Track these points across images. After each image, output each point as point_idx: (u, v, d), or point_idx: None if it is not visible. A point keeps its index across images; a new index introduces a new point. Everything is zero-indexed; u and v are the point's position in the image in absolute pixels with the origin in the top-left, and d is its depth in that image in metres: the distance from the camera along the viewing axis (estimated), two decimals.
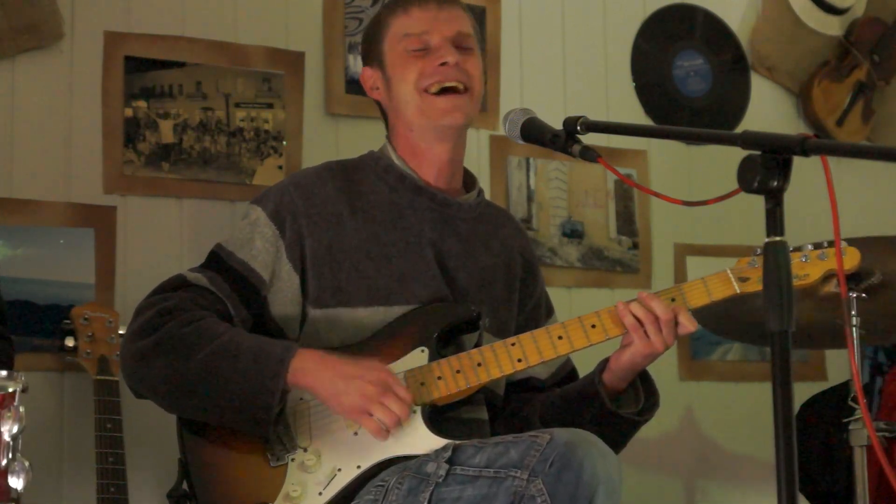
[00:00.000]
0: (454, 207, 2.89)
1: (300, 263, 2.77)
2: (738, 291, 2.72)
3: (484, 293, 2.88)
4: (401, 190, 2.86)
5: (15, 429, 1.93)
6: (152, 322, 2.66)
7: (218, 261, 2.78)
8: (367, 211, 2.83)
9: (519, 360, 2.70)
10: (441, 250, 2.84)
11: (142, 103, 3.66)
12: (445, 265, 2.84)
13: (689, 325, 2.71)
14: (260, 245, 2.77)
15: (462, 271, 2.86)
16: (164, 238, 3.64)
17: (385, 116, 2.95)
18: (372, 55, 2.91)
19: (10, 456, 1.93)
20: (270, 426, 2.60)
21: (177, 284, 2.73)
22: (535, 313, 3.04)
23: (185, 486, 2.71)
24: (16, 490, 1.93)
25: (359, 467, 2.62)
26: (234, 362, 2.59)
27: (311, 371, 2.59)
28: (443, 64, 2.81)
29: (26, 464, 1.94)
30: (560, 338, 2.71)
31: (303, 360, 2.60)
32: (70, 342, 3.33)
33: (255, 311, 2.74)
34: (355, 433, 2.63)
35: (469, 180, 2.98)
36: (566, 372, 3.03)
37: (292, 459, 2.65)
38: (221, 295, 2.71)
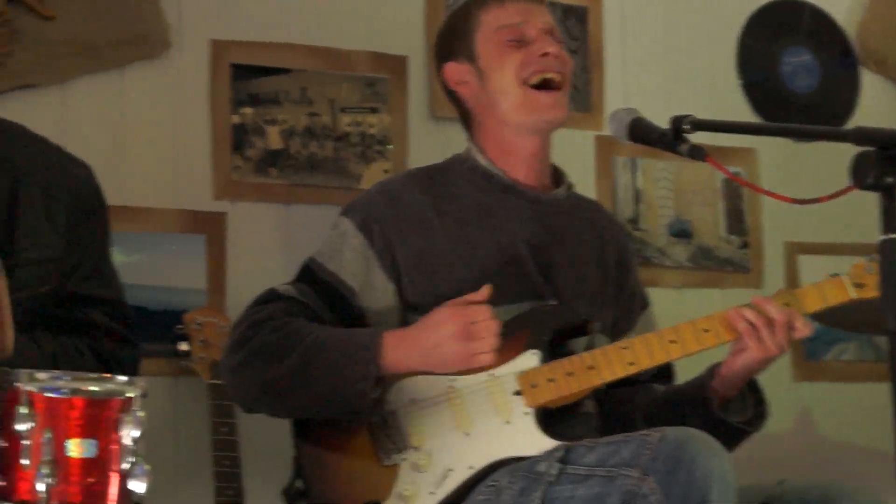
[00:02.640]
0: (545, 203, 2.88)
1: (394, 271, 2.77)
2: (854, 297, 2.69)
3: (580, 287, 2.87)
4: (490, 190, 2.86)
5: (135, 433, 1.96)
6: (245, 335, 2.69)
7: (310, 274, 2.80)
8: (456, 213, 2.83)
9: (631, 364, 2.69)
10: (534, 247, 2.84)
11: (249, 110, 3.69)
12: (540, 262, 2.83)
13: (804, 328, 2.68)
14: (349, 256, 2.78)
15: (558, 267, 2.85)
16: (273, 243, 3.67)
17: (467, 114, 2.94)
18: (459, 49, 2.90)
19: (132, 460, 1.96)
20: (369, 413, 2.61)
21: (269, 298, 2.76)
22: (630, 305, 3.02)
23: (299, 484, 2.74)
24: (137, 494, 1.96)
25: (471, 468, 2.62)
26: (325, 356, 2.61)
27: (404, 357, 2.62)
28: (544, 54, 2.81)
29: (147, 468, 1.97)
30: (673, 342, 2.70)
31: (390, 347, 2.61)
32: (184, 347, 3.37)
33: (348, 323, 2.75)
34: (466, 434, 2.64)
35: (557, 175, 2.97)
36: (663, 365, 3.01)
37: (404, 459, 2.66)
38: (313, 306, 2.73)
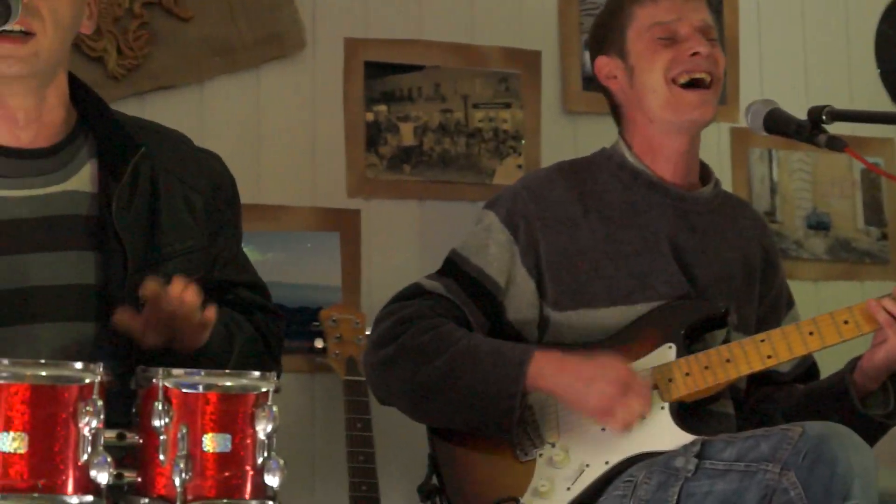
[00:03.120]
0: (690, 201, 2.85)
1: (535, 268, 2.76)
2: None
3: (724, 287, 2.83)
4: (635, 187, 2.83)
5: (269, 428, 1.97)
6: (392, 331, 2.70)
7: (454, 268, 2.79)
8: (602, 210, 2.81)
9: (769, 357, 2.65)
10: (679, 246, 2.81)
11: (382, 107, 3.71)
12: (684, 261, 2.80)
13: None
14: (494, 251, 2.77)
15: (701, 266, 2.82)
16: (407, 239, 3.69)
17: (616, 109, 2.91)
18: (610, 44, 2.87)
19: (266, 454, 1.97)
20: (513, 430, 2.61)
21: (414, 293, 2.76)
22: (776, 305, 2.97)
23: (434, 480, 2.75)
24: (272, 488, 1.98)
25: (607, 463, 2.61)
26: (473, 367, 2.61)
27: (550, 375, 2.60)
28: (694, 54, 2.78)
29: (281, 462, 1.98)
30: (811, 334, 2.65)
31: (540, 364, 2.61)
32: (319, 344, 3.40)
33: (491, 317, 2.75)
34: (603, 429, 2.62)
35: (705, 173, 2.94)
36: (807, 366, 2.96)
37: (540, 455, 2.65)
38: (458, 302, 2.73)
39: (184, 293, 2.21)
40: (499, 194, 2.88)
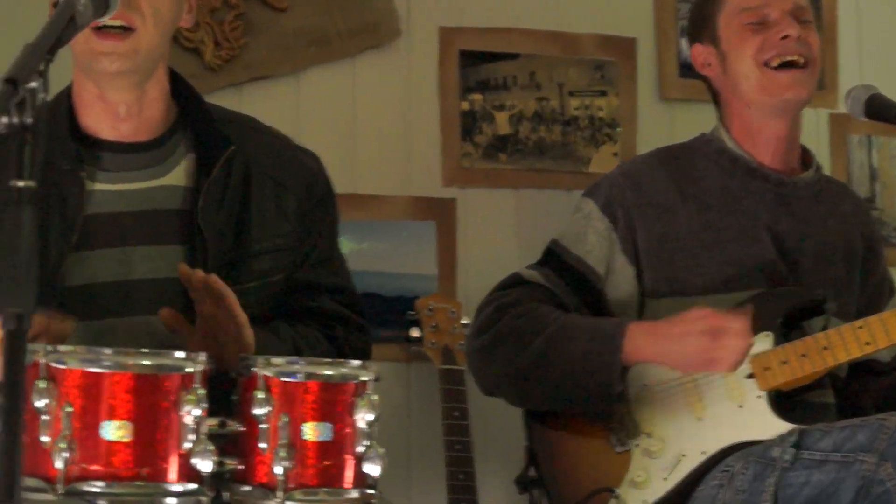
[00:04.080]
0: (790, 187, 2.82)
1: (634, 255, 2.75)
2: None
3: (823, 274, 2.80)
4: (734, 173, 2.81)
5: (370, 416, 1.98)
6: (491, 319, 2.71)
7: (553, 257, 2.80)
8: (700, 197, 2.79)
9: (867, 344, 2.61)
10: (778, 233, 2.78)
11: (478, 96, 3.71)
12: (783, 248, 2.77)
13: None
14: (593, 239, 2.77)
15: (800, 253, 2.79)
16: (502, 228, 3.68)
17: (715, 96, 2.90)
18: (704, 32, 2.86)
19: (367, 443, 1.98)
20: (613, 405, 2.61)
21: (514, 282, 2.77)
22: (877, 293, 2.93)
23: (531, 472, 2.75)
24: (372, 477, 1.99)
25: (703, 453, 2.59)
26: (569, 345, 2.61)
27: (645, 344, 2.60)
28: (784, 37, 2.75)
29: (381, 451, 1.99)
30: None
31: (634, 334, 2.61)
32: (415, 333, 3.40)
33: (591, 306, 2.75)
34: (699, 419, 2.61)
35: (807, 158, 2.90)
36: None
37: (637, 445, 2.64)
38: (558, 291, 2.73)
39: (208, 278, 2.20)
40: (597, 182, 2.88)
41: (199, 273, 2.19)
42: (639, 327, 2.62)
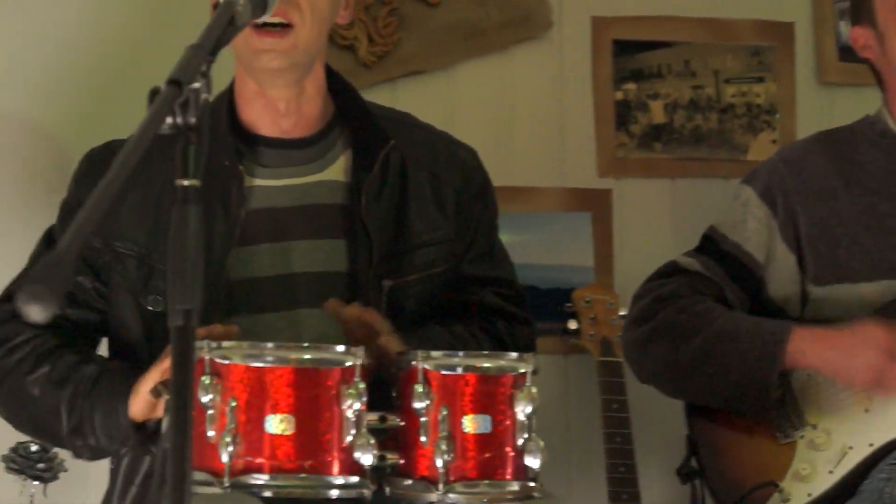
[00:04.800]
0: None
1: (795, 242, 2.71)
2: None
3: None
4: None
5: (529, 409, 1.98)
6: (650, 309, 2.68)
7: (711, 244, 2.77)
8: (863, 181, 2.74)
9: None
10: None
11: (631, 85, 3.68)
12: None
13: None
14: (753, 226, 2.73)
15: None
16: (658, 218, 3.65)
17: (878, 78, 2.84)
18: (861, 13, 2.80)
19: (526, 436, 1.98)
20: (770, 408, 2.57)
21: (671, 271, 2.75)
22: None
23: (693, 462, 2.72)
24: (532, 469, 1.98)
25: (871, 445, 2.54)
26: (731, 345, 2.58)
27: (810, 352, 2.55)
28: None
29: (541, 444, 1.98)
30: None
31: (800, 340, 2.56)
32: (573, 325, 3.39)
33: (751, 294, 2.71)
34: (866, 410, 2.56)
35: None
36: None
37: (801, 437, 2.61)
38: (716, 279, 2.70)
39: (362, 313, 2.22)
40: (756, 168, 2.84)
41: (354, 309, 2.21)
42: (804, 332, 2.57)
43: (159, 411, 2.18)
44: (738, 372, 2.56)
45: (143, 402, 2.19)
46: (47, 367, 2.34)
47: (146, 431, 2.24)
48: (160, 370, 2.15)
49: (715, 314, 2.63)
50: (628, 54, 3.69)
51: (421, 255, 2.46)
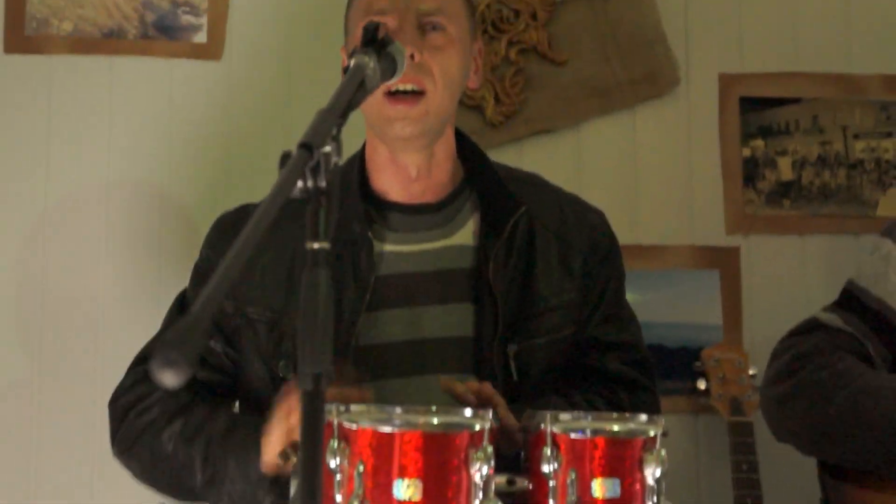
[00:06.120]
0: None
1: None
2: None
3: None
4: None
5: (658, 472, 1.96)
6: (789, 366, 2.65)
7: (853, 299, 2.73)
8: None
9: None
10: None
11: (759, 142, 3.65)
12: None
13: None
14: (895, 279, 2.69)
15: None
16: (788, 275, 3.61)
17: None
18: None
19: (655, 499, 1.95)
20: None
21: (811, 327, 2.71)
22: None
23: None
24: None
25: None
26: (873, 402, 2.53)
27: None
28: None
29: None
30: None
31: None
32: (702, 384, 3.35)
33: (894, 350, 2.66)
34: None
35: None
36: None
37: None
38: (858, 335, 2.66)
39: (481, 388, 2.19)
40: (894, 222, 2.80)
41: (470, 385, 2.20)
42: None
43: (290, 466, 2.19)
44: (885, 432, 2.52)
45: (273, 454, 2.20)
46: (180, 424, 2.36)
47: (279, 486, 2.25)
48: (285, 424, 2.16)
49: (857, 371, 2.59)
50: (756, 111, 3.66)
51: (547, 319, 2.44)
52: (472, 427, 1.94)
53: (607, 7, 3.60)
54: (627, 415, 2.03)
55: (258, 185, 2.33)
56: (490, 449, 1.93)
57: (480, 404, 2.16)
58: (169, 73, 3.46)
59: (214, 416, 2.36)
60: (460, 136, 2.51)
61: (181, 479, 2.36)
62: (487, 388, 2.18)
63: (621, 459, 1.98)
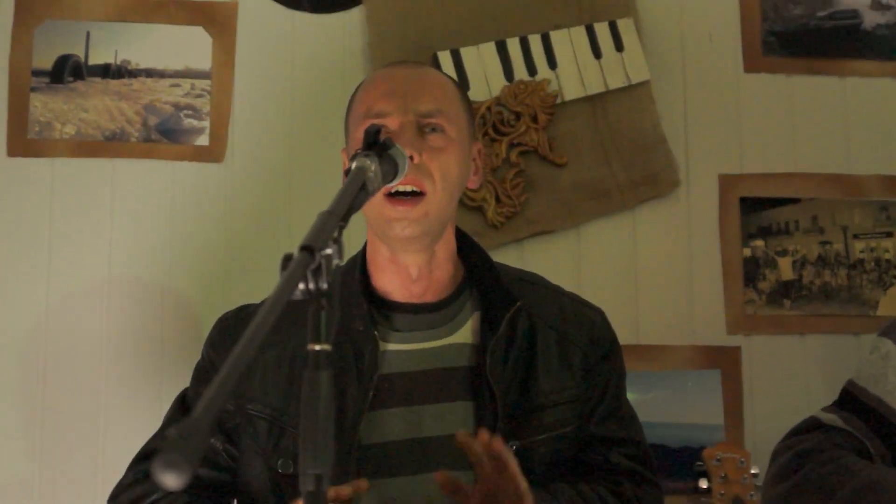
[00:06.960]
0: None
1: None
2: None
3: None
4: None
5: None
6: (791, 465, 2.65)
7: (852, 399, 2.73)
8: None
9: None
10: None
11: (759, 242, 3.67)
12: None
13: None
14: (894, 379, 2.69)
15: None
16: (789, 375, 3.61)
17: None
18: None
19: None
20: None
21: (811, 426, 2.71)
22: None
23: None
24: None
25: None
26: (876, 496, 2.53)
27: None
28: None
29: None
30: None
31: None
32: (703, 484, 3.33)
33: (893, 448, 2.66)
34: None
35: None
36: None
37: None
38: (858, 434, 2.66)
39: (492, 443, 2.19)
40: (893, 321, 2.81)
41: (483, 437, 2.20)
42: None
43: None
44: None
45: None
46: None
47: None
48: None
49: (858, 467, 2.59)
50: (755, 211, 3.68)
51: (548, 415, 2.45)
52: None
53: (607, 110, 3.64)
54: None
55: (259, 286, 2.34)
56: None
57: (494, 461, 2.16)
58: (171, 175, 3.48)
59: None
60: (462, 236, 2.53)
61: None
62: (499, 442, 2.18)
63: None
